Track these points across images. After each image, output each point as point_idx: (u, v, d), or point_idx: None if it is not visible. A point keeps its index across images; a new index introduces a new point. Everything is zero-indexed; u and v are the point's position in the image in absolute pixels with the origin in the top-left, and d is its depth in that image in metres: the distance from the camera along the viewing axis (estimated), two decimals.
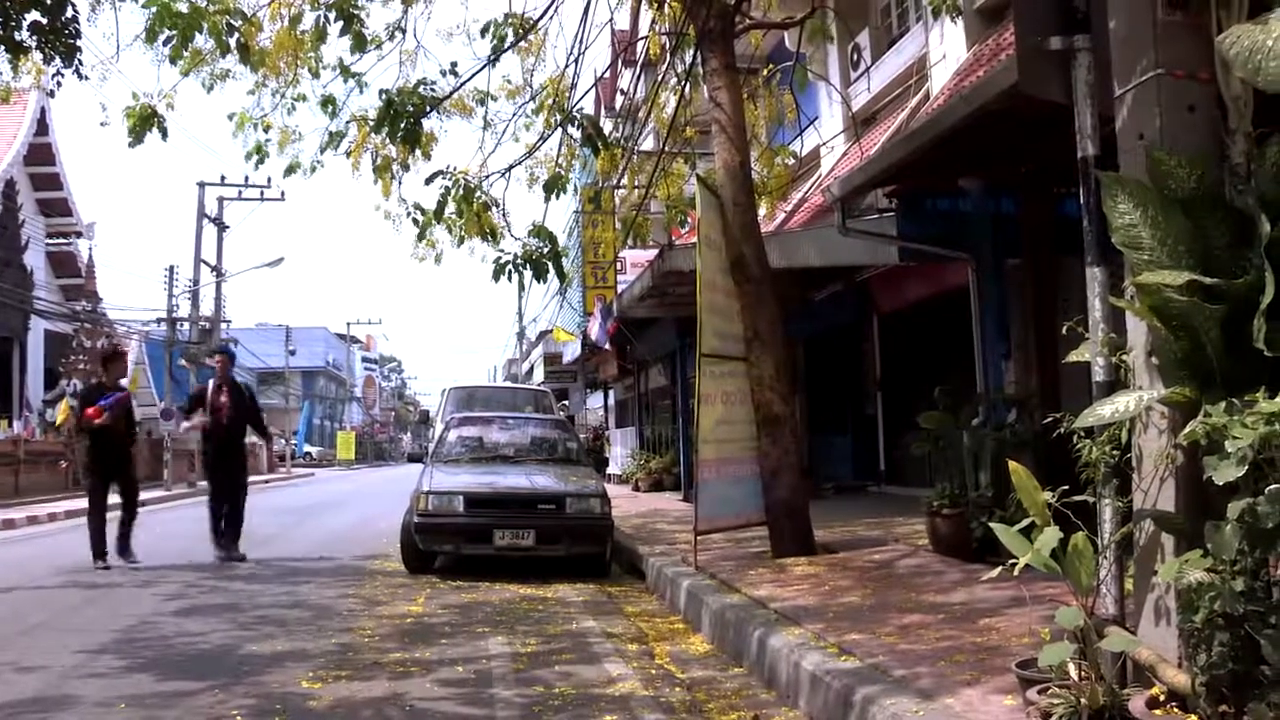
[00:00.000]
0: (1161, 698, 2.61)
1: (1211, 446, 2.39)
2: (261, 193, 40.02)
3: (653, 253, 17.81)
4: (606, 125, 17.36)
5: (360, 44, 9.12)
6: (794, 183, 18.77)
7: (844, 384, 18.41)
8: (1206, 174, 2.78)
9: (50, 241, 35.12)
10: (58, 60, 9.98)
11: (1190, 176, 2.76)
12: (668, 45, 13.33)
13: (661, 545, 10.69)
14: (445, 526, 10.02)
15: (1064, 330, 3.43)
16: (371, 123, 10.67)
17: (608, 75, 29.75)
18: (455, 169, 11.19)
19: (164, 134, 10.29)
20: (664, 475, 22.70)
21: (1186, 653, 2.59)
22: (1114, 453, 3.03)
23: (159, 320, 40.06)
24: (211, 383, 12.03)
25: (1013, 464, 3.30)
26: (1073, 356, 3.49)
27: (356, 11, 8.83)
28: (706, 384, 9.07)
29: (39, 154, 32.95)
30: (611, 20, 14.39)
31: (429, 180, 10.56)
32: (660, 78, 14.22)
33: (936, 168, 8.67)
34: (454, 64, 11.12)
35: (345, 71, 11.14)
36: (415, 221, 11.47)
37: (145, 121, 10.17)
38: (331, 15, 9.14)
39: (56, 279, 35.33)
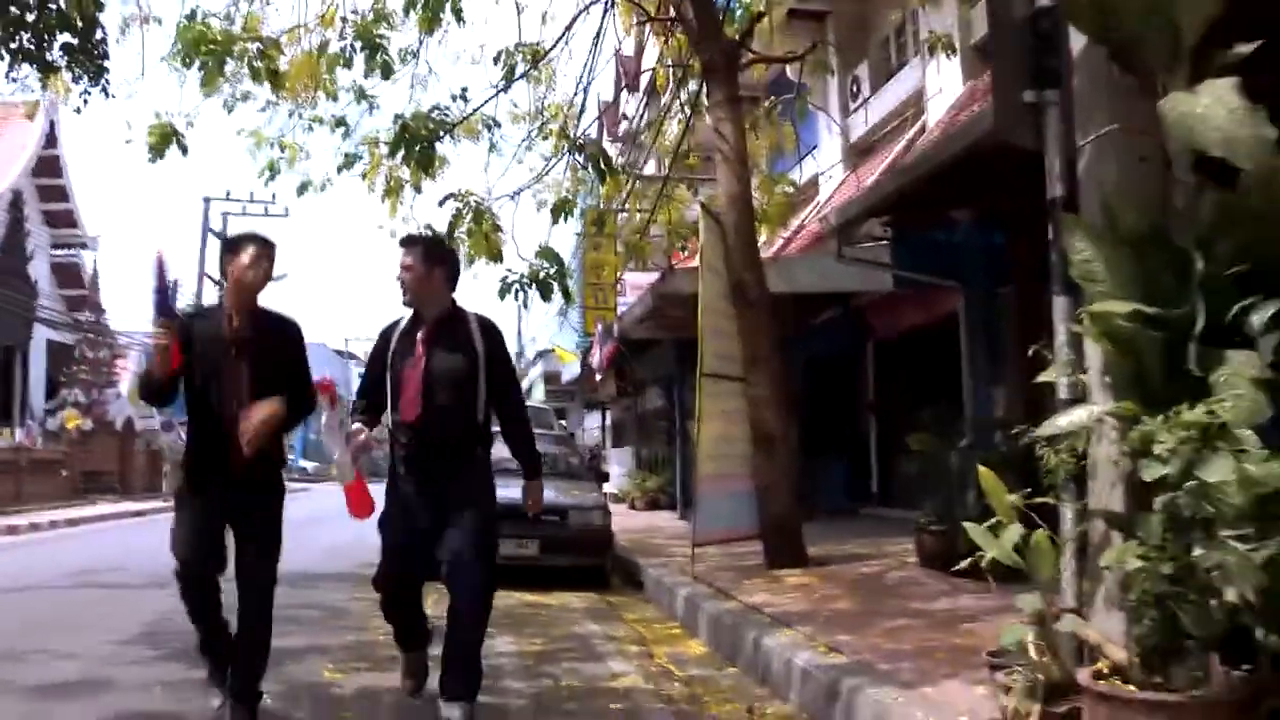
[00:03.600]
0: (1106, 670, 3.00)
1: (1145, 451, 2.80)
2: (265, 209, 40.45)
3: (651, 275, 18.20)
4: (610, 150, 17.81)
5: (387, 73, 9.56)
6: (793, 209, 19.20)
7: (839, 407, 18.73)
8: (1154, 218, 3.20)
9: (55, 252, 35.46)
10: (85, 79, 10.47)
11: (1140, 220, 3.17)
12: (672, 77, 13.76)
13: (659, 558, 11.06)
14: None
15: (1029, 353, 3.84)
16: (386, 145, 11.12)
17: (611, 101, 30.27)
18: (466, 191, 11.64)
19: (184, 150, 10.73)
20: (660, 494, 22.95)
21: (1127, 631, 3.00)
22: (1072, 460, 3.43)
23: None
24: (401, 323, 5.25)
25: (982, 470, 3.70)
26: (1043, 377, 3.88)
27: (381, 41, 9.28)
28: (707, 403, 9.46)
29: (47, 166, 33.31)
30: (618, 52, 14.81)
31: (442, 202, 10.98)
32: (665, 109, 14.66)
33: (930, 200, 9.09)
34: (464, 89, 11.57)
35: (361, 95, 11.58)
36: None
37: (165, 139, 10.60)
38: (357, 45, 9.55)
39: (60, 289, 35.63)
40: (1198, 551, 2.66)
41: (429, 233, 5.26)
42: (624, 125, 26.56)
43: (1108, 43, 3.34)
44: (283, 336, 5.06)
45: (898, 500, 15.57)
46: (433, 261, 5.17)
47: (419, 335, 5.09)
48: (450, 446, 5.00)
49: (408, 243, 5.30)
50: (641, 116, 18.67)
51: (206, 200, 39.66)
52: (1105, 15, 3.24)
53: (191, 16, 9.16)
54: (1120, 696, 2.86)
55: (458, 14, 9.48)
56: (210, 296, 38.79)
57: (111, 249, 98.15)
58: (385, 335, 5.29)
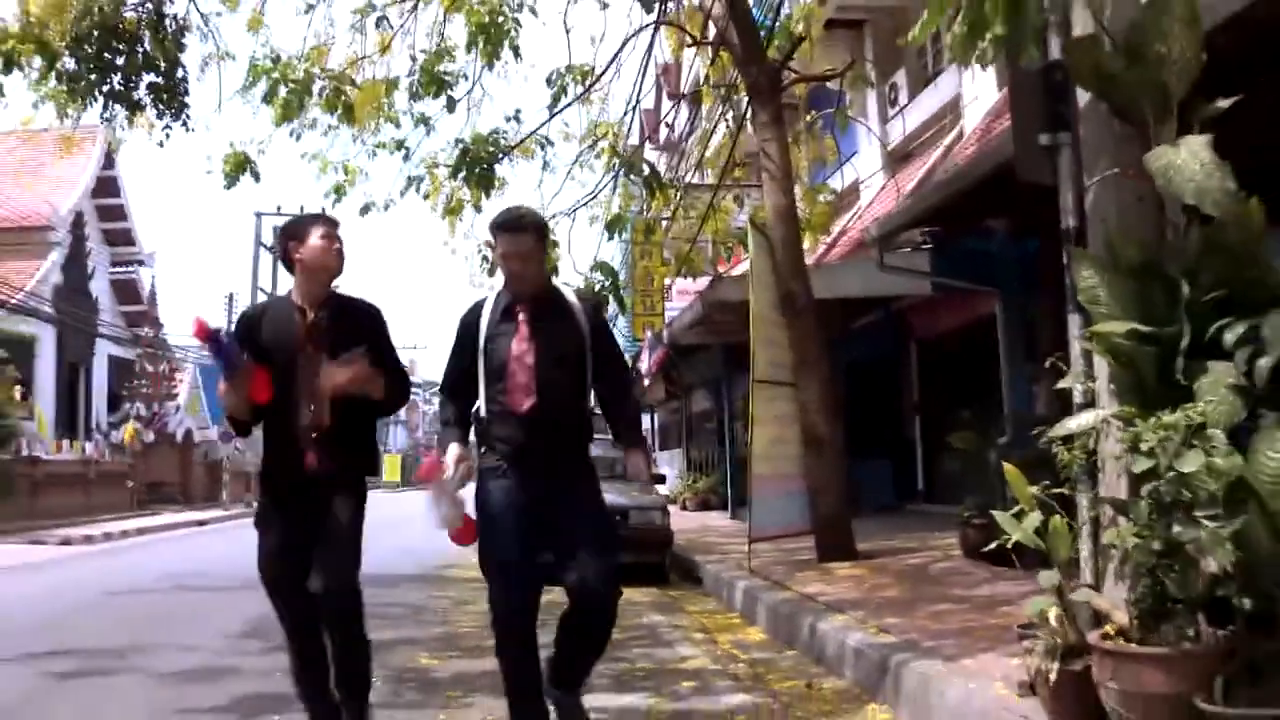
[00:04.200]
0: (1112, 632, 3.57)
1: (1136, 447, 3.38)
2: None
3: (697, 282, 18.73)
4: (651, 156, 18.39)
5: (451, 107, 10.24)
6: (834, 215, 19.67)
7: (883, 408, 19.15)
8: (1149, 251, 3.77)
9: (114, 270, 36.57)
10: (168, 115, 11.24)
11: (1137, 253, 3.74)
12: (717, 96, 14.35)
13: (715, 555, 11.66)
14: None
15: (1046, 364, 4.41)
16: (447, 168, 11.79)
17: (653, 109, 30.82)
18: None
19: (256, 177, 11.48)
20: (710, 495, 23.45)
21: (1128, 598, 3.58)
22: (1084, 456, 4.00)
23: None
24: (495, 295, 4.61)
25: (1007, 466, 4.28)
26: (1061, 384, 4.44)
27: (447, 78, 9.97)
28: (760, 408, 10.04)
29: (105, 186, 34.40)
30: (663, 68, 15.43)
31: None
32: (712, 125, 15.22)
33: (965, 212, 9.62)
34: (518, 111, 12.23)
35: (422, 120, 12.25)
36: (485, 258, 12.48)
37: (240, 167, 11.36)
38: (422, 81, 10.25)
39: (120, 306, 36.71)
40: (1177, 529, 3.25)
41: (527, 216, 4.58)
42: (665, 133, 27.11)
43: (1108, 99, 3.91)
44: (363, 325, 4.43)
45: (942, 496, 15.98)
46: (545, 244, 4.57)
47: (519, 316, 4.40)
48: (563, 439, 4.46)
49: (515, 228, 4.39)
50: (688, 125, 19.22)
51: (258, 215, 40.57)
52: (1104, 78, 3.81)
53: (276, 60, 9.90)
54: (1122, 652, 3.44)
55: (515, 50, 10.12)
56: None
57: (167, 263, 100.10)
58: (470, 321, 4.54)
